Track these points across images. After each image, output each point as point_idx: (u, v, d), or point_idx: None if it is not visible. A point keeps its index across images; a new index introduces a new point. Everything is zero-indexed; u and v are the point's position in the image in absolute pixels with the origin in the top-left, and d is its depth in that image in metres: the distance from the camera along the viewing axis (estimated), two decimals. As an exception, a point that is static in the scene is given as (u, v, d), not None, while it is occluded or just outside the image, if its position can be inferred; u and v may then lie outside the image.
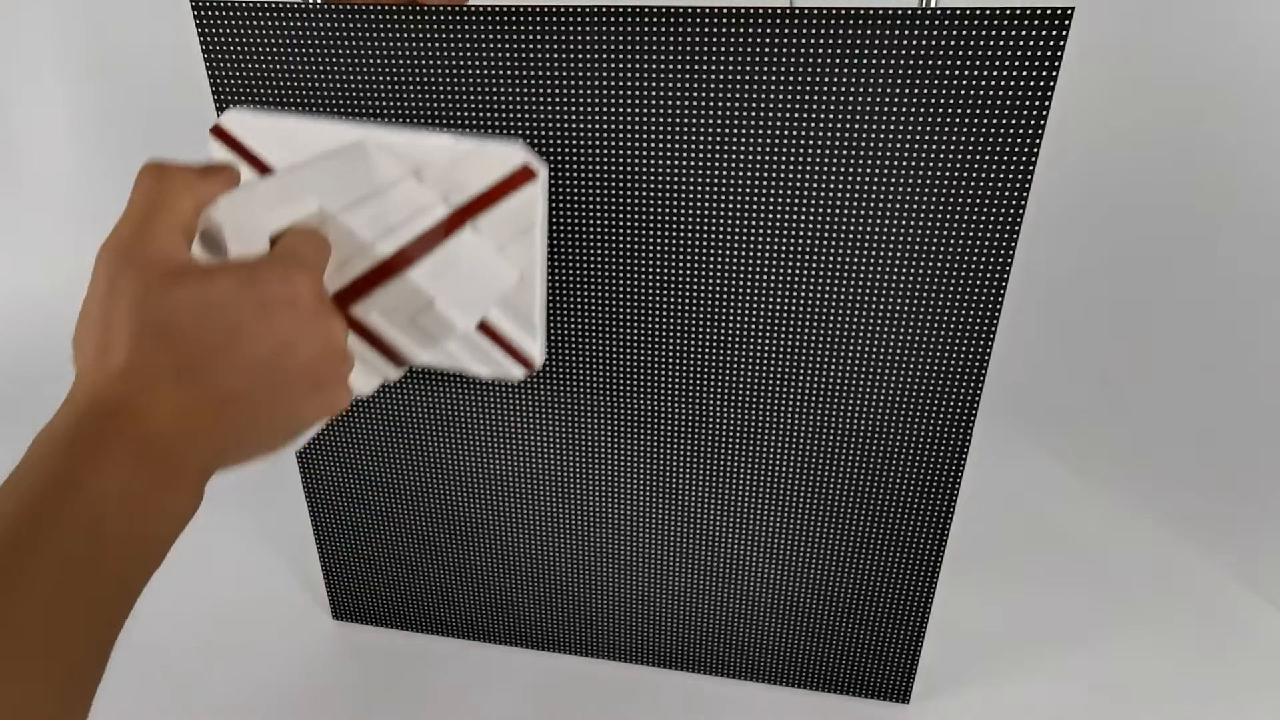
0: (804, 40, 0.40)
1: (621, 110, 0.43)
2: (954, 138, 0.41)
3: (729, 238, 0.46)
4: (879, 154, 0.42)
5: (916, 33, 0.39)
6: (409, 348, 0.35)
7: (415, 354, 0.35)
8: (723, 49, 0.41)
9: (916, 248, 0.44)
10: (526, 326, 0.38)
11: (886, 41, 0.39)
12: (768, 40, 0.40)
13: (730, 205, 0.45)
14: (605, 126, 0.44)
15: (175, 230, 0.27)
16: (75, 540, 0.23)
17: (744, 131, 0.43)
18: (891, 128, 0.41)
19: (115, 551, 0.24)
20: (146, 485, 0.24)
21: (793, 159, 0.43)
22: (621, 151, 0.44)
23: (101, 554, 0.23)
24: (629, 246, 0.47)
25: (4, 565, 0.21)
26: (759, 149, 0.43)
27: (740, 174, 0.44)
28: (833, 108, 0.41)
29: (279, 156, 0.35)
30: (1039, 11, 0.38)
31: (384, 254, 0.32)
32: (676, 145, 0.44)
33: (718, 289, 0.47)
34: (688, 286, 0.47)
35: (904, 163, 0.42)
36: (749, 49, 0.41)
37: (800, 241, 0.45)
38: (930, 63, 0.40)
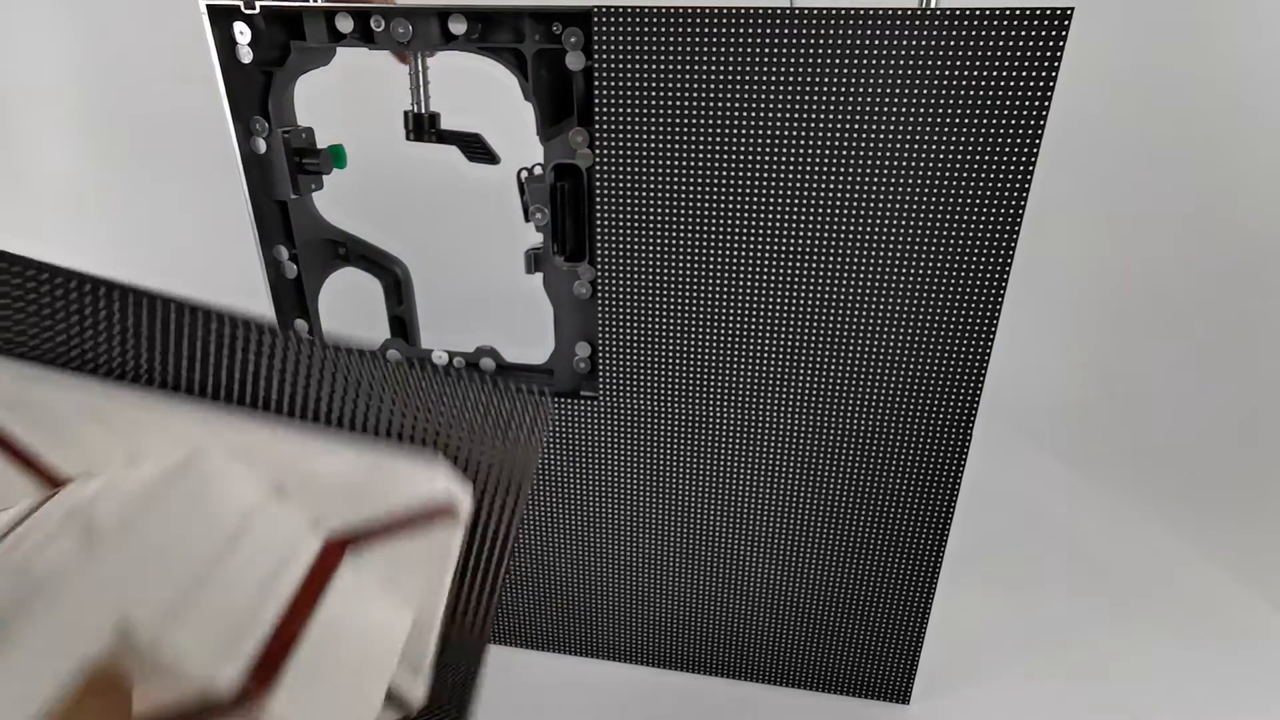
0: (804, 40, 0.40)
1: (619, 112, 0.43)
2: (954, 137, 0.41)
3: (725, 238, 0.45)
4: (878, 154, 0.42)
5: (916, 33, 0.39)
6: None
7: None
8: (722, 49, 0.41)
9: (916, 247, 0.44)
10: (413, 670, 0.29)
11: (886, 41, 0.39)
12: (768, 40, 0.40)
13: (726, 205, 0.45)
14: (601, 128, 0.44)
15: None
16: None
17: (742, 132, 0.43)
18: (891, 128, 0.41)
19: None
20: None
21: (791, 159, 0.43)
22: (618, 153, 0.44)
23: None
24: (625, 247, 0.47)
25: None
26: (757, 149, 0.43)
27: (737, 174, 0.44)
28: (832, 108, 0.41)
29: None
30: (1038, 11, 0.38)
31: (225, 689, 0.20)
32: (674, 146, 0.44)
33: (714, 289, 0.47)
34: (684, 286, 0.47)
35: (904, 163, 0.42)
36: (749, 49, 0.41)
37: (798, 241, 0.45)
38: (930, 63, 0.40)
